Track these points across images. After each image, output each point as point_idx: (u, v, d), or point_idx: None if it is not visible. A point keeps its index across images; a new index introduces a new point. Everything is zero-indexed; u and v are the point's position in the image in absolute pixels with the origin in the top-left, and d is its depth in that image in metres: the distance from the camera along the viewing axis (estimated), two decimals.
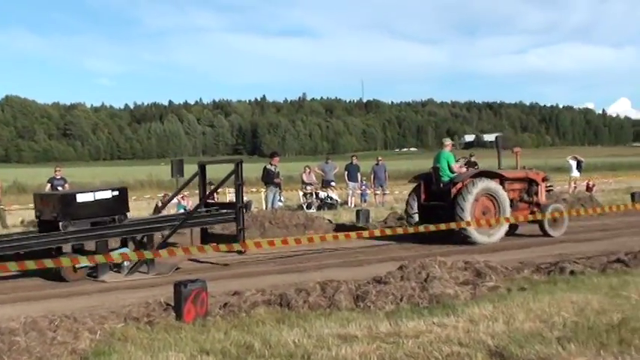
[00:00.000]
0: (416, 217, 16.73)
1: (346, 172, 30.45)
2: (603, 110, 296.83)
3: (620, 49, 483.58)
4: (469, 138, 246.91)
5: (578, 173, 34.66)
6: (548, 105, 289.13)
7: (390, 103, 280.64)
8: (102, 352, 6.86)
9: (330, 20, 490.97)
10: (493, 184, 16.20)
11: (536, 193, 17.39)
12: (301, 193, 29.46)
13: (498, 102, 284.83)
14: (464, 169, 17.04)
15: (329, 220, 20.62)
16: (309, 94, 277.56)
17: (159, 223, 14.65)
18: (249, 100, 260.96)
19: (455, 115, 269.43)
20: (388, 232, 14.34)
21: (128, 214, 14.31)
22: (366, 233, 14.47)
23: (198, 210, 15.39)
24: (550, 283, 9.75)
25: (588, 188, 33.63)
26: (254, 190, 33.83)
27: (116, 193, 13.98)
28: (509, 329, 6.97)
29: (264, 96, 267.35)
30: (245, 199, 25.75)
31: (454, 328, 7.15)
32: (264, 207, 26.40)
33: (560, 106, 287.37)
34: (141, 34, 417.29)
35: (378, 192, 30.97)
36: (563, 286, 9.39)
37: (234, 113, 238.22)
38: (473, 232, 15.48)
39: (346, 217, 22.30)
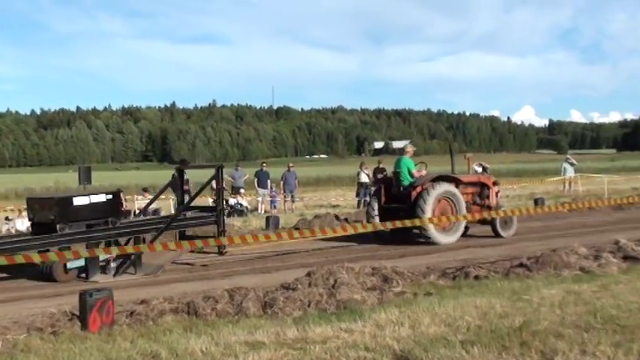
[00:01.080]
0: (377, 219, 17.04)
1: (256, 179, 30.38)
2: (508, 118, 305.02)
3: (523, 58, 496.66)
4: (378, 145, 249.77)
5: None
6: (456, 112, 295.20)
7: (300, 109, 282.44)
8: None
9: (241, 27, 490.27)
10: (451, 188, 17.05)
11: (488, 196, 18.42)
12: (211, 200, 29.19)
13: (407, 109, 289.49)
14: (423, 173, 17.64)
15: (238, 227, 20.55)
16: (220, 101, 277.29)
17: (146, 226, 15.12)
18: (159, 107, 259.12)
19: (364, 122, 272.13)
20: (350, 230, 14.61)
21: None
22: (331, 231, 14.76)
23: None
24: (455, 288, 9.92)
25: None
26: (163, 197, 33.39)
27: (110, 196, 14.47)
28: (415, 333, 7.05)
29: (173, 102, 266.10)
30: (154, 205, 25.52)
31: (361, 333, 7.19)
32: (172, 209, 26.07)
33: (467, 113, 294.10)
34: (47, 38, 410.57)
35: (287, 199, 30.99)
36: (467, 290, 9.56)
37: (144, 120, 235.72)
38: (433, 232, 16.35)
39: (256, 223, 22.25)
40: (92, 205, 13.92)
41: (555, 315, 7.67)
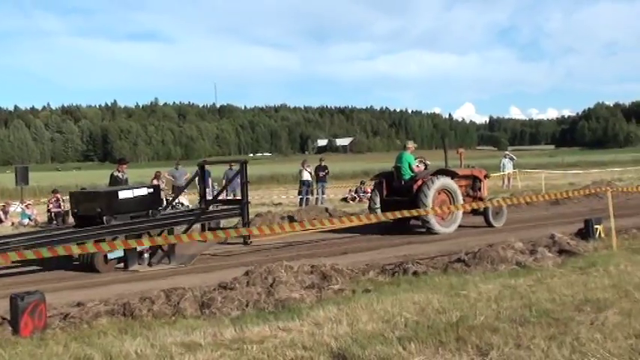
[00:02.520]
0: (379, 211, 17.62)
1: (197, 179, 30.10)
2: (450, 115, 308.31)
3: (463, 56, 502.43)
4: (322, 142, 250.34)
5: None
6: (398, 110, 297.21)
7: (243, 107, 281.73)
8: None
9: (183, 24, 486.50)
10: (449, 181, 18.16)
11: (479, 189, 19.59)
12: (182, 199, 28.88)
13: (350, 107, 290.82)
14: (422, 168, 18.91)
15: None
16: (162, 99, 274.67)
17: (179, 218, 16.19)
18: (100, 105, 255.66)
19: (308, 120, 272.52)
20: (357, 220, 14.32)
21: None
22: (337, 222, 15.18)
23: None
24: (394, 284, 9.96)
25: None
26: None
27: (151, 190, 15.67)
28: (353, 331, 7.06)
29: (114, 101, 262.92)
30: None
31: (299, 332, 7.17)
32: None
33: (409, 110, 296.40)
34: None
35: (230, 197, 30.80)
36: (406, 286, 9.60)
37: (84, 119, 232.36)
38: (434, 223, 17.36)
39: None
40: (135, 198, 14.93)
41: (491, 310, 7.75)
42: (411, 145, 19.70)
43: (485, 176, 20.13)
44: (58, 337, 7.58)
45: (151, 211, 15.20)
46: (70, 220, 24.73)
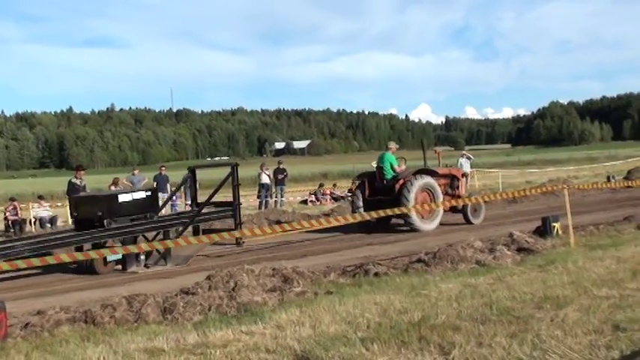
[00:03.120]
0: (362, 211, 18.02)
1: (155, 183, 29.93)
2: (406, 116, 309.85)
3: (419, 57, 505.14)
4: (279, 145, 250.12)
5: None
6: (355, 111, 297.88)
7: (200, 112, 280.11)
8: None
9: (137, 30, 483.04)
10: (430, 180, 18.74)
11: (457, 187, 20.17)
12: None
13: (307, 109, 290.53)
14: (404, 168, 19.36)
15: None
16: (118, 105, 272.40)
17: (174, 220, 16.64)
18: (55, 112, 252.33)
19: (265, 123, 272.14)
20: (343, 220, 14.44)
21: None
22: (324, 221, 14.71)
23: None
24: (355, 286, 9.98)
25: None
26: (59, 204, 32.66)
27: (149, 193, 16.08)
28: (316, 333, 7.06)
29: (70, 107, 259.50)
30: (50, 213, 24.91)
31: (262, 335, 7.15)
32: (70, 222, 25.46)
33: (366, 112, 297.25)
34: None
35: (188, 202, 30.64)
36: (367, 287, 9.63)
37: (39, 125, 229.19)
38: (416, 220, 17.92)
39: None
40: (134, 201, 15.34)
41: (452, 309, 7.80)
42: (392, 145, 20.09)
43: (463, 175, 21.02)
44: (20, 346, 7.48)
45: (148, 213, 15.58)
46: (28, 228, 24.51)
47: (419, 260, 11.55)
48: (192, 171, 18.86)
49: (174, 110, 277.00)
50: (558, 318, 7.01)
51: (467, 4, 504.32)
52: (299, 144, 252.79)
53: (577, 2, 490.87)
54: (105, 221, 14.49)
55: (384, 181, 19.00)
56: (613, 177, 31.16)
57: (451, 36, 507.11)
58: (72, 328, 8.36)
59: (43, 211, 26.98)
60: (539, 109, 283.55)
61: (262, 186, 31.12)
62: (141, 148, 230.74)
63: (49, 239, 14.39)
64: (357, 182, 20.20)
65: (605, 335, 6.31)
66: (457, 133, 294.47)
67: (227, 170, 18.04)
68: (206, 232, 17.06)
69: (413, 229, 17.92)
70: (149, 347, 6.95)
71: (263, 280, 9.94)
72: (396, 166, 19.09)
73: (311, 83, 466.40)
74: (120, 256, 14.21)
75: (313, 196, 34.07)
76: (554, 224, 13.85)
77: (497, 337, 6.42)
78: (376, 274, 10.75)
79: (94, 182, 42.14)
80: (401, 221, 18.55)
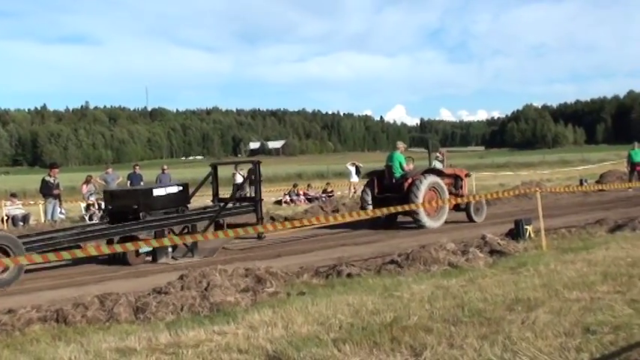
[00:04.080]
0: (370, 208, 18.80)
1: (128, 182, 29.83)
2: (381, 117, 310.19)
3: (394, 58, 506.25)
4: (254, 145, 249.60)
5: (357, 178, 35.87)
6: (330, 112, 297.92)
7: (175, 111, 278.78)
8: None
9: (112, 27, 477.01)
10: (437, 179, 19.42)
11: (461, 187, 20.96)
12: (83, 205, 28.45)
13: (282, 109, 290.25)
14: (412, 167, 20.01)
15: None
16: (92, 103, 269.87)
17: (201, 214, 17.06)
18: (29, 109, 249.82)
19: (240, 123, 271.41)
20: (356, 215, 15.98)
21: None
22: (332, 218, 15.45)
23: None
24: (328, 287, 10.00)
25: None
26: (32, 202, 32.39)
27: (181, 187, 16.74)
28: (288, 333, 7.06)
29: (44, 104, 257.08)
30: (22, 211, 24.72)
31: (234, 335, 7.15)
32: (43, 220, 25.30)
33: (341, 113, 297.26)
34: None
35: None
36: (340, 288, 9.65)
37: (13, 122, 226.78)
38: (424, 218, 18.53)
39: None
40: (167, 195, 16.10)
41: (425, 310, 7.83)
42: (401, 145, 20.74)
43: (466, 175, 21.92)
44: None
45: (180, 207, 16.27)
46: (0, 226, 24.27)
47: (392, 261, 11.57)
48: (214, 167, 19.26)
49: (149, 109, 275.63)
50: (529, 320, 7.06)
51: (442, 5, 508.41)
52: (274, 144, 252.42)
53: (551, 7, 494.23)
54: (140, 214, 15.25)
55: (393, 180, 19.61)
56: (585, 180, 31.39)
57: (426, 37, 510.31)
58: (43, 327, 8.34)
59: (16, 209, 26.68)
60: (513, 112, 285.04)
61: (237, 186, 31.09)
62: (115, 146, 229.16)
63: (88, 231, 15.11)
64: (367, 180, 20.75)
65: (575, 338, 6.37)
66: (432, 135, 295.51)
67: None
68: (230, 226, 17.16)
69: (420, 226, 18.50)
70: (121, 347, 6.93)
71: (236, 280, 9.94)
72: (404, 165, 19.73)
73: (286, 83, 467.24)
74: (151, 248, 14.69)
75: (287, 196, 34.04)
76: (527, 227, 13.93)
77: (469, 339, 6.46)
78: (349, 275, 10.77)
79: (67, 180, 41.79)
80: (407, 219, 19.32)
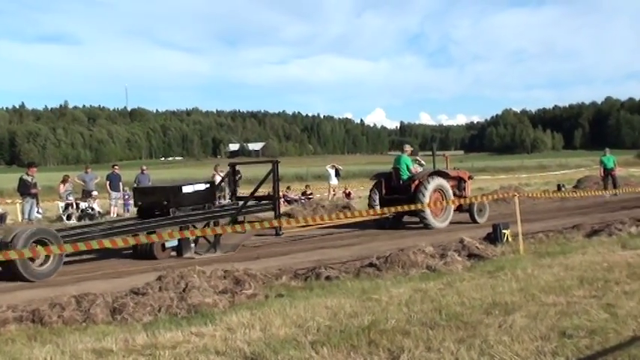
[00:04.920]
0: (378, 208, 19.40)
1: (107, 182, 29.68)
2: (361, 120, 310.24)
3: (375, 62, 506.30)
4: (234, 147, 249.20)
5: (337, 181, 35.95)
6: (310, 114, 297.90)
7: (154, 111, 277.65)
8: None
9: (92, 27, 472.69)
10: (443, 181, 20.13)
11: (464, 189, 21.59)
12: (61, 204, 28.29)
13: (262, 111, 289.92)
14: (419, 169, 20.63)
15: None
16: (72, 102, 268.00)
17: (223, 212, 17.37)
18: (7, 108, 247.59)
19: (220, 124, 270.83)
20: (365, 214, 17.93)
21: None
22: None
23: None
24: (307, 289, 10.01)
25: (346, 195, 35.06)
26: (9, 201, 32.20)
27: (208, 185, 17.47)
28: (266, 335, 7.06)
29: (22, 103, 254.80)
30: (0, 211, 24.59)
31: (212, 337, 7.14)
32: (19, 219, 25.15)
33: (322, 115, 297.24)
34: None
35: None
36: (318, 291, 9.66)
37: None
38: (430, 218, 19.23)
39: None
40: (195, 192, 16.67)
41: (403, 313, 7.85)
42: (407, 148, 21.51)
43: (469, 177, 22.40)
44: None
45: (207, 204, 16.85)
46: None
47: (371, 264, 11.60)
48: (232, 167, 19.88)
49: (129, 109, 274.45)
50: (506, 324, 7.10)
51: (423, 10, 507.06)
52: (254, 146, 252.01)
53: (531, 13, 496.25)
54: (170, 210, 15.83)
55: (400, 181, 20.26)
56: (563, 185, 31.64)
57: (407, 42, 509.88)
58: (19, 327, 8.27)
59: None
60: (492, 117, 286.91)
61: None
62: (94, 146, 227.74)
63: (119, 225, 15.77)
64: (374, 181, 21.28)
65: (551, 342, 6.42)
66: (411, 139, 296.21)
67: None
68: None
69: (426, 226, 19.14)
70: (97, 347, 6.90)
71: (214, 281, 9.92)
72: (411, 167, 20.37)
73: (267, 85, 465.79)
74: (176, 243, 15.40)
75: None
76: (505, 231, 14.02)
77: (446, 342, 6.49)
78: (328, 278, 10.79)
79: (45, 180, 41.49)
80: (412, 219, 20.11)
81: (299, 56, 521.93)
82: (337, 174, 35.63)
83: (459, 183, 21.57)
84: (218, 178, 31.00)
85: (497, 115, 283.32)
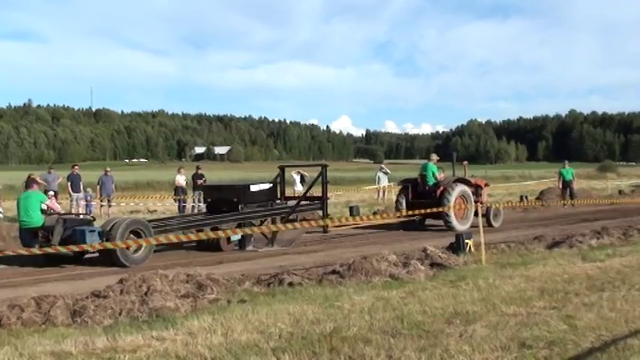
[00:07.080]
0: (404, 212, 21.07)
1: (69, 183, 29.37)
2: (327, 127, 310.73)
3: (341, 69, 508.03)
4: (199, 150, 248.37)
5: (302, 187, 35.87)
6: (277, 120, 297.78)
7: (120, 112, 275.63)
8: None
9: (57, 25, 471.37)
10: (466, 187, 21.58)
11: (481, 195, 22.79)
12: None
13: (228, 115, 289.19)
14: (444, 176, 22.18)
15: None
16: (35, 101, 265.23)
17: (279, 210, 18.83)
18: None
19: (185, 127, 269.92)
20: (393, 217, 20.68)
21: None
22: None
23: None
24: (269, 295, 9.97)
25: None
26: None
27: (271, 185, 19.19)
28: (227, 341, 7.03)
29: None
30: None
31: (172, 341, 7.08)
32: None
33: (288, 121, 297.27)
34: None
35: (104, 203, 30.24)
36: (281, 297, 9.63)
37: None
38: (454, 221, 20.62)
39: None
40: (261, 191, 18.39)
41: (365, 321, 7.86)
42: (434, 157, 22.99)
43: (486, 184, 23.81)
44: None
45: (270, 202, 18.59)
46: None
47: (334, 271, 11.58)
48: (281, 169, 21.00)
49: (94, 109, 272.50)
50: (467, 333, 7.15)
51: (390, 19, 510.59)
52: (219, 149, 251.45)
53: (497, 26, 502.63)
54: (239, 206, 17.47)
55: (426, 187, 21.85)
56: (526, 197, 31.84)
57: (374, 50, 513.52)
58: None
59: None
60: (457, 127, 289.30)
61: (179, 189, 31.21)
62: (57, 146, 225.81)
63: (195, 220, 17.44)
64: (401, 186, 23.02)
65: (511, 352, 6.47)
66: (377, 147, 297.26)
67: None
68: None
69: (450, 228, 20.24)
70: (56, 350, 6.82)
71: (177, 285, 9.87)
72: (437, 175, 21.89)
73: (233, 89, 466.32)
74: (240, 237, 16.71)
75: None
76: (467, 241, 14.11)
77: (407, 351, 6.51)
78: (290, 284, 10.76)
79: (6, 179, 40.96)
80: (435, 222, 21.46)
81: (266, 61, 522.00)
82: (302, 180, 35.57)
83: (477, 189, 22.72)
84: (180, 179, 31.14)
85: (462, 126, 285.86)
